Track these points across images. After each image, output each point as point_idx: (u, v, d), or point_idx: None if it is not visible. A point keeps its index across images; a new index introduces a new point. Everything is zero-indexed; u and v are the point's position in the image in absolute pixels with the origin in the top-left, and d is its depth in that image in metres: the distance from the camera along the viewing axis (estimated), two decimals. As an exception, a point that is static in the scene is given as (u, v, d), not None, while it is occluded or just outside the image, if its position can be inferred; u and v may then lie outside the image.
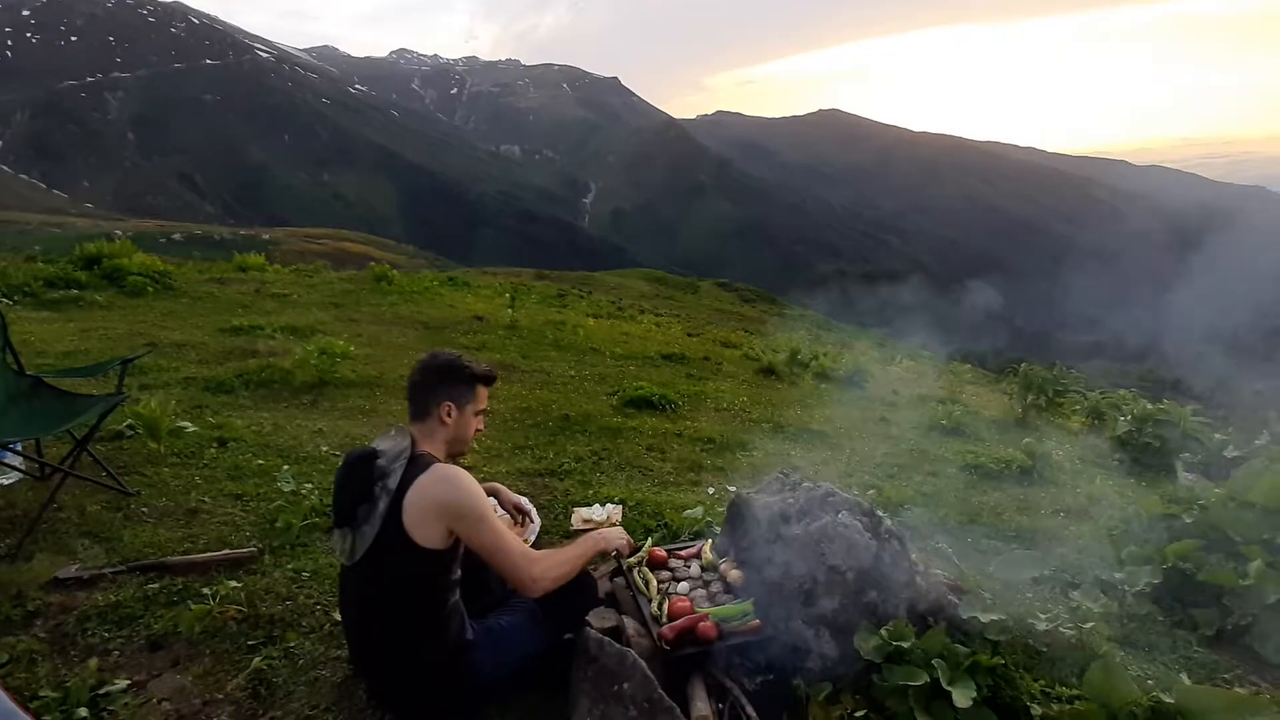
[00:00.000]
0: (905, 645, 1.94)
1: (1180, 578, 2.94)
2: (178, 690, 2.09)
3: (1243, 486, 3.46)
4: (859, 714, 1.85)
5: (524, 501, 2.78)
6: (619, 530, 2.36)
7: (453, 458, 2.17)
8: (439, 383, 2.07)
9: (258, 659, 2.21)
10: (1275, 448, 5.32)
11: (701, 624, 2.15)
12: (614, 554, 2.33)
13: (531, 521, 2.83)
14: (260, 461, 3.81)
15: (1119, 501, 4.32)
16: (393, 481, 1.90)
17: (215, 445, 3.99)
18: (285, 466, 3.68)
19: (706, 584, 2.46)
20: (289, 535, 2.97)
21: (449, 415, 2.07)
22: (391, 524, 1.85)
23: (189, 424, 4.13)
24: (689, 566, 2.58)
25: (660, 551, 2.63)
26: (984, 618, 2.16)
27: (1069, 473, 5.23)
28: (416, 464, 1.93)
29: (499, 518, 3.01)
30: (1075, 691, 1.98)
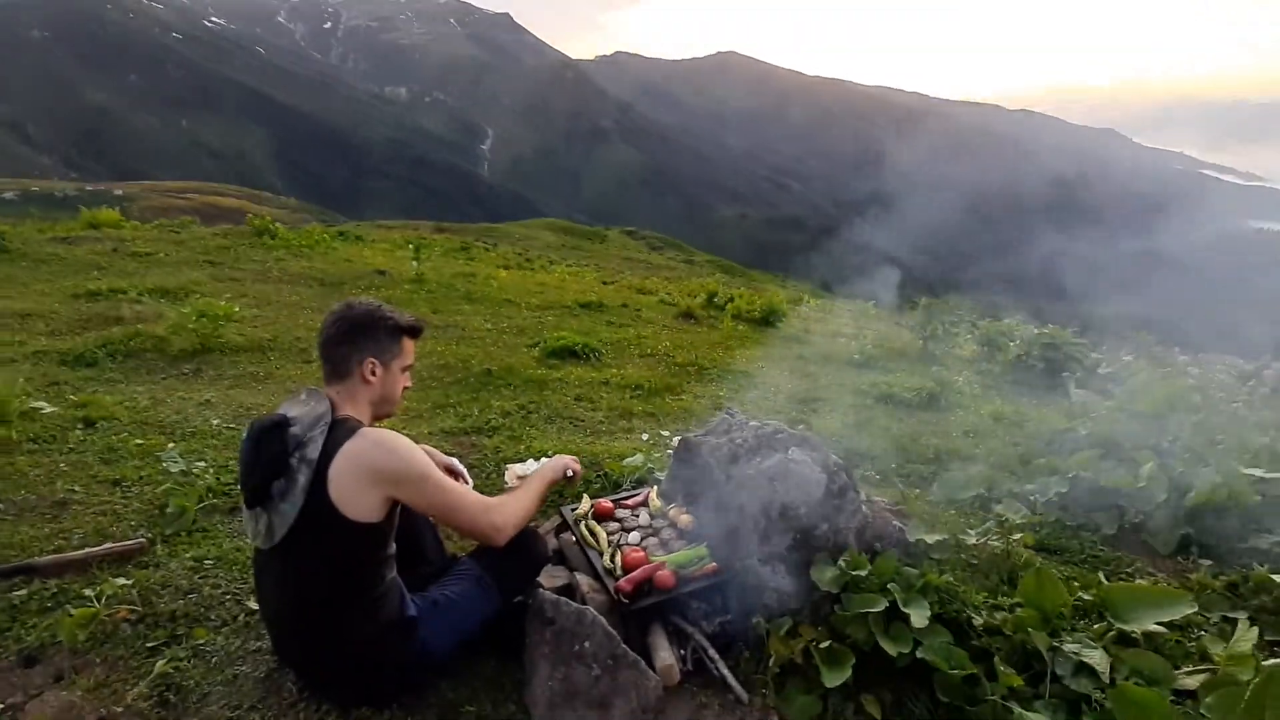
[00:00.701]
0: (862, 574, 1.95)
1: (1083, 485, 3.19)
2: (65, 709, 1.80)
3: (1130, 399, 3.79)
4: (823, 645, 1.85)
5: (454, 462, 2.59)
6: (562, 457, 2.22)
7: (378, 420, 1.94)
8: (359, 336, 1.83)
9: (161, 662, 1.94)
10: (1146, 363, 5.91)
11: (659, 573, 2.08)
12: (569, 478, 2.20)
13: (466, 483, 2.66)
14: (139, 441, 3.36)
15: (1020, 419, 4.65)
16: (312, 451, 1.66)
17: (81, 426, 3.48)
18: (170, 445, 3.27)
19: (657, 531, 2.40)
20: (183, 520, 2.63)
21: (373, 373, 1.83)
22: (316, 499, 1.63)
23: (45, 404, 3.58)
24: (637, 515, 2.50)
25: (606, 503, 2.53)
26: (929, 539, 2.23)
27: (971, 396, 5.57)
28: (340, 430, 1.71)
29: None
30: (1015, 600, 2.08)
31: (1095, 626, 2.02)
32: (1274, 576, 2.34)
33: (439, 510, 1.72)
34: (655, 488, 2.69)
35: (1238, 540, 2.79)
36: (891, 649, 1.81)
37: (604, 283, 12.41)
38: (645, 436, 3.97)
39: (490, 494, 3.03)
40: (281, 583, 1.73)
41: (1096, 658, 1.87)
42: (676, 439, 3.89)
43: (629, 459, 3.20)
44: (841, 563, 2.00)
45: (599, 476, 3.15)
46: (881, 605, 1.85)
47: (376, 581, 1.76)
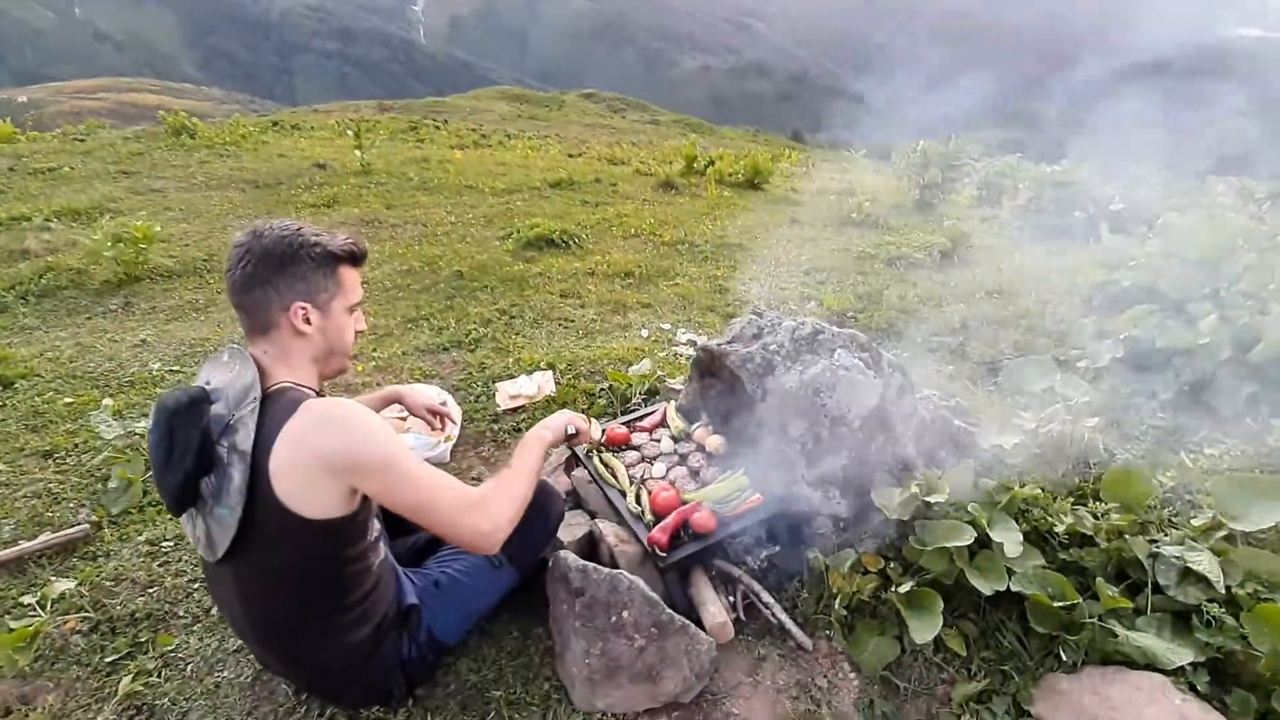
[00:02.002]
0: (940, 500, 1.65)
1: (1138, 346, 2.89)
2: (16, 752, 1.52)
3: (1175, 242, 3.41)
4: (904, 589, 1.58)
5: (436, 399, 2.20)
6: (561, 414, 1.78)
7: (327, 379, 1.51)
8: (276, 274, 1.34)
9: (127, 679, 1.64)
10: (1164, 195, 5.48)
11: (696, 515, 1.77)
12: (572, 435, 1.78)
13: (452, 422, 2.28)
14: (68, 399, 2.91)
15: (1047, 272, 4.30)
16: (244, 438, 1.25)
17: (-3, 388, 3.01)
18: (106, 400, 2.82)
19: (684, 458, 2.07)
20: (130, 495, 2.26)
21: (307, 321, 1.37)
22: (259, 499, 1.24)
23: (-52, 366, 3.07)
24: (658, 440, 2.16)
25: (619, 429, 2.18)
26: (1007, 443, 1.92)
27: (985, 249, 5.19)
28: (276, 404, 1.28)
29: (412, 444, 2.44)
30: (1108, 504, 1.81)
31: (1196, 523, 1.78)
32: (1371, 437, 2.10)
33: (410, 509, 1.31)
34: (672, 403, 2.33)
35: (1310, 394, 2.54)
36: (985, 586, 1.54)
37: (570, 155, 11.43)
38: (645, 333, 3.57)
39: (480, 425, 2.70)
40: (241, 599, 1.38)
41: (1205, 562, 1.62)
42: (682, 336, 3.52)
43: (635, 366, 2.82)
44: (915, 487, 1.69)
45: (603, 390, 2.79)
46: (969, 537, 1.57)
47: (361, 579, 1.42)
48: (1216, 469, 2.17)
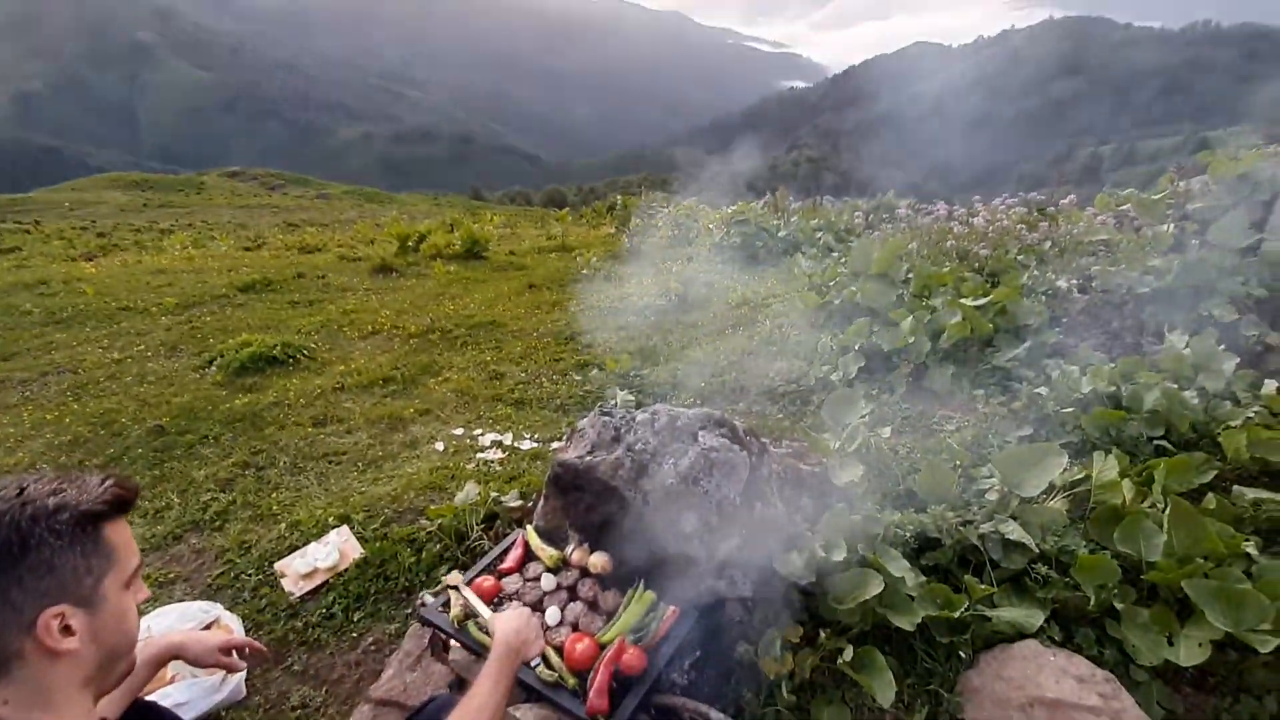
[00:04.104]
0: (838, 558, 1.73)
1: (870, 350, 3.49)
2: None
3: (861, 263, 4.22)
4: (848, 656, 1.61)
5: (227, 632, 1.64)
6: (516, 620, 1.41)
7: (105, 693, 0.99)
8: (4, 579, 0.84)
9: None
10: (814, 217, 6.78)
11: (623, 658, 1.58)
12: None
13: (255, 651, 1.72)
14: None
15: (766, 300, 4.96)
16: None
17: None
18: None
19: (572, 590, 1.85)
20: None
21: (68, 631, 0.88)
22: None
23: None
24: (536, 580, 1.90)
25: (486, 582, 1.87)
26: (856, 476, 2.12)
27: (704, 285, 5.79)
28: None
29: (185, 699, 1.82)
30: (932, 505, 2.10)
31: (991, 497, 2.16)
32: (1040, 390, 2.82)
33: None
34: (528, 526, 2.09)
35: (982, 364, 3.33)
36: (906, 623, 1.66)
37: (248, 249, 9.90)
38: (440, 446, 3.18)
39: (264, 634, 2.04)
40: None
41: (1015, 531, 1.99)
42: (485, 440, 3.22)
43: (460, 495, 2.46)
44: (819, 549, 1.74)
45: (430, 534, 2.38)
46: (879, 584, 1.67)
47: None
48: (965, 443, 2.69)
